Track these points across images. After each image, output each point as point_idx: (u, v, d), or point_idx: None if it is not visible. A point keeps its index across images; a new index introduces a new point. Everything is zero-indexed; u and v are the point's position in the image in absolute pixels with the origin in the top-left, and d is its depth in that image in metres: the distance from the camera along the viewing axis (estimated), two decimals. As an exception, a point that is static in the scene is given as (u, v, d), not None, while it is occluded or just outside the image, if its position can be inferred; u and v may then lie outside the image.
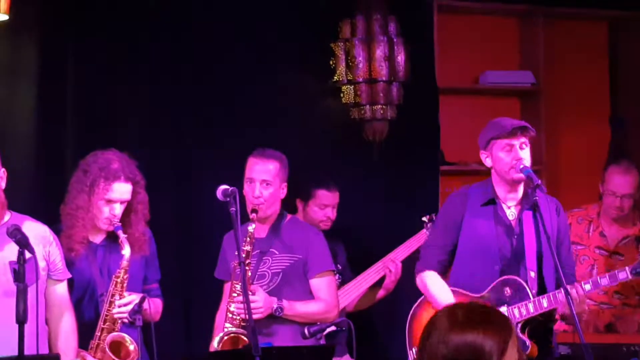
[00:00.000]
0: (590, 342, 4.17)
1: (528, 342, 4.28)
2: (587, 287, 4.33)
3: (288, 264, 4.61)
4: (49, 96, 5.39)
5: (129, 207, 4.39)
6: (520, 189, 4.44)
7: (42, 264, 4.04)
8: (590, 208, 5.55)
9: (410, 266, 4.80)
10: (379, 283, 5.45)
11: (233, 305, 4.48)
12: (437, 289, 4.45)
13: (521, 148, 4.36)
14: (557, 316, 4.42)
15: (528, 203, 4.42)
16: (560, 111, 6.73)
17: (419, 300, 4.60)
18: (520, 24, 6.69)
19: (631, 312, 5.39)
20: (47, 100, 5.38)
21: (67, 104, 5.44)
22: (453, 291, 4.42)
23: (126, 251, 4.26)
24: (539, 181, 4.30)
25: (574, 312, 4.07)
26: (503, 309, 4.27)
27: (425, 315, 4.48)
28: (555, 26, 6.69)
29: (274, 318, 4.49)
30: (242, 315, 4.40)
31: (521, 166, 4.33)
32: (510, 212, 4.45)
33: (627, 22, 6.80)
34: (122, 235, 4.28)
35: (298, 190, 5.34)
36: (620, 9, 6.70)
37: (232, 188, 4.26)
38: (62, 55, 5.43)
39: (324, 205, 5.39)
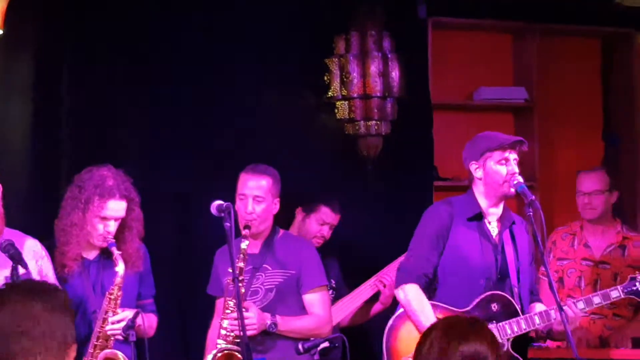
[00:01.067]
0: (583, 358, 4.20)
1: (519, 357, 4.29)
2: (580, 305, 4.34)
3: (281, 280, 4.61)
4: (44, 111, 5.40)
5: (123, 224, 4.38)
6: (502, 205, 4.44)
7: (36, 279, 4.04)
8: (573, 224, 5.61)
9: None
10: (374, 298, 5.45)
11: (226, 321, 4.46)
12: (419, 305, 4.32)
13: (514, 161, 4.37)
14: (541, 333, 4.44)
15: (508, 222, 4.43)
16: (554, 127, 6.76)
17: (397, 314, 4.49)
18: (514, 40, 6.72)
19: (624, 324, 5.40)
20: (42, 116, 5.39)
21: (62, 119, 5.45)
22: (436, 305, 4.33)
23: (120, 268, 4.26)
24: (533, 197, 4.29)
25: (569, 331, 4.07)
26: (491, 326, 4.22)
27: (404, 330, 4.42)
28: (549, 43, 6.72)
29: (268, 334, 4.48)
30: (236, 332, 4.39)
31: (515, 181, 4.32)
32: (492, 227, 4.44)
33: (620, 39, 6.82)
34: (116, 252, 4.27)
35: (302, 200, 5.35)
36: (613, 25, 6.74)
37: (226, 203, 4.26)
38: (58, 71, 5.45)
39: (323, 222, 5.39)
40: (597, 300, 4.41)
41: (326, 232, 5.40)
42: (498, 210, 4.42)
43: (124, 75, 5.56)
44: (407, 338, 4.37)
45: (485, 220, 4.41)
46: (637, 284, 4.45)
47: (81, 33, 5.48)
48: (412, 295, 4.36)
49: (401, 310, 4.47)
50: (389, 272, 5.38)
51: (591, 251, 5.50)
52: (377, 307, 5.46)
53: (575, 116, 6.84)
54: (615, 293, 4.43)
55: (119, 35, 5.53)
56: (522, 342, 4.39)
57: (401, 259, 5.31)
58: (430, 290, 4.42)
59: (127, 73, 5.56)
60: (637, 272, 4.62)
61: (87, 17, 5.50)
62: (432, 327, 2.77)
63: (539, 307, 4.43)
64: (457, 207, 4.45)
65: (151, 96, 5.62)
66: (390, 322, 4.50)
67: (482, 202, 4.42)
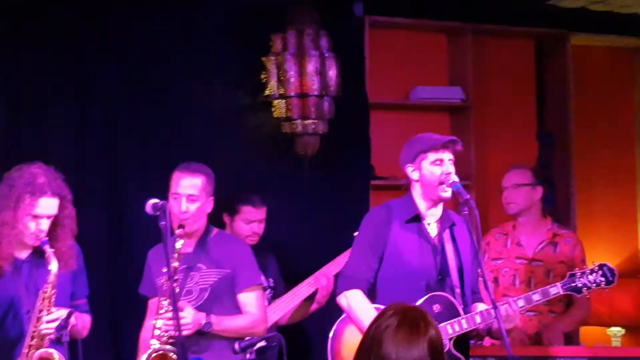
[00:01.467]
0: (517, 355, 4.23)
1: (461, 357, 4.32)
2: (520, 302, 4.38)
3: (216, 279, 4.58)
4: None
5: (56, 222, 4.31)
6: (441, 206, 4.45)
7: None
8: (506, 225, 5.68)
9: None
10: (312, 296, 5.45)
11: (160, 321, 4.41)
12: (363, 310, 4.31)
13: (449, 162, 4.39)
14: (481, 332, 4.47)
15: (448, 222, 4.44)
16: (489, 127, 6.83)
17: (341, 318, 4.48)
18: (449, 40, 6.76)
19: (555, 321, 5.48)
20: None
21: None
22: (378, 309, 4.30)
23: (53, 266, 4.19)
24: (468, 196, 4.30)
25: (503, 329, 4.11)
26: None
27: (349, 332, 4.42)
28: (484, 43, 6.79)
29: (203, 334, 4.45)
30: (170, 332, 4.36)
31: (451, 181, 4.33)
32: (431, 229, 4.44)
33: (554, 40, 6.91)
34: (48, 250, 4.19)
35: (225, 206, 5.33)
36: (547, 26, 6.82)
37: (161, 202, 4.24)
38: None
39: (249, 221, 5.36)
40: (536, 297, 4.46)
41: (256, 228, 5.37)
42: (437, 211, 4.43)
43: (54, 69, 5.48)
44: (351, 343, 4.35)
45: (424, 222, 4.42)
46: (576, 280, 4.50)
47: (9, 26, 5.39)
48: (354, 300, 4.36)
49: (344, 315, 4.47)
50: (328, 271, 5.39)
51: (524, 249, 5.57)
52: (313, 307, 5.46)
53: (510, 116, 6.92)
54: (555, 290, 4.48)
55: (44, 35, 5.45)
56: (463, 341, 4.41)
57: (339, 257, 5.35)
58: (371, 294, 4.41)
59: (55, 67, 5.48)
60: (576, 268, 4.67)
61: (19, 15, 5.42)
62: (386, 314, 2.78)
63: (480, 306, 4.46)
64: (395, 211, 4.45)
65: (82, 92, 5.55)
66: (335, 327, 4.49)
67: (421, 204, 4.42)
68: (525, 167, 5.70)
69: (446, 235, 4.42)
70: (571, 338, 6.15)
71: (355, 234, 4.87)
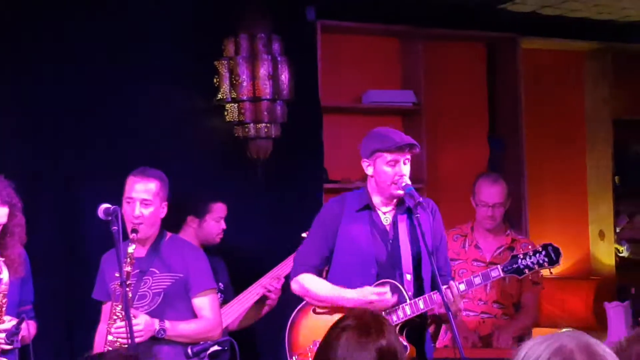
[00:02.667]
0: (468, 358, 4.25)
1: (407, 344, 4.34)
2: (462, 286, 4.36)
3: (169, 284, 4.56)
4: None
5: (5, 230, 4.29)
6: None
7: None
8: (464, 226, 5.71)
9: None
10: (262, 300, 5.45)
11: (113, 327, 4.40)
12: (316, 285, 4.44)
13: (404, 163, 4.40)
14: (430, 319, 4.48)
15: (402, 208, 4.46)
16: (441, 130, 6.87)
17: (297, 308, 4.57)
18: (401, 44, 6.80)
19: (506, 324, 5.51)
20: None
21: None
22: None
23: (4, 275, 4.18)
24: (420, 198, 4.34)
25: (451, 314, 4.13)
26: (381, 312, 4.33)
27: (305, 323, 4.51)
28: (435, 47, 6.83)
29: (157, 339, 4.44)
30: (122, 339, 4.34)
31: (403, 184, 4.36)
32: (385, 217, 4.47)
33: (505, 44, 6.97)
34: None
35: (189, 208, 5.33)
36: (498, 31, 6.88)
37: (113, 207, 4.22)
38: None
39: (219, 218, 5.41)
40: (477, 280, 4.41)
41: (224, 225, 5.44)
42: (392, 202, 4.48)
43: (2, 76, 5.43)
44: (306, 331, 4.49)
45: (378, 211, 4.47)
46: (519, 261, 4.44)
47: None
48: (307, 281, 4.46)
49: (302, 303, 4.53)
50: (277, 273, 5.39)
51: (482, 252, 5.60)
52: (264, 310, 5.48)
53: (462, 119, 6.97)
54: (495, 272, 4.42)
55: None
56: (416, 331, 4.43)
57: (288, 259, 5.35)
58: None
59: (4, 73, 5.43)
60: (522, 250, 4.66)
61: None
62: (342, 321, 2.80)
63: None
64: (348, 201, 4.52)
65: (32, 97, 5.50)
66: (291, 317, 4.57)
67: (375, 197, 4.48)
68: (503, 182, 5.63)
69: (402, 222, 4.44)
70: (524, 340, 6.20)
71: (304, 234, 4.90)
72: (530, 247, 5.47)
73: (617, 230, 7.40)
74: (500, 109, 7.08)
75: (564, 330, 2.19)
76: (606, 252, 7.27)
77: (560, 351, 2.09)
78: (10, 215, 4.28)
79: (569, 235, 7.20)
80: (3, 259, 4.20)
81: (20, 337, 4.12)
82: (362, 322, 2.78)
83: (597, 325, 6.74)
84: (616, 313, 6.48)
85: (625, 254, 7.42)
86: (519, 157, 6.86)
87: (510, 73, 6.96)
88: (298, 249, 4.70)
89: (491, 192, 5.55)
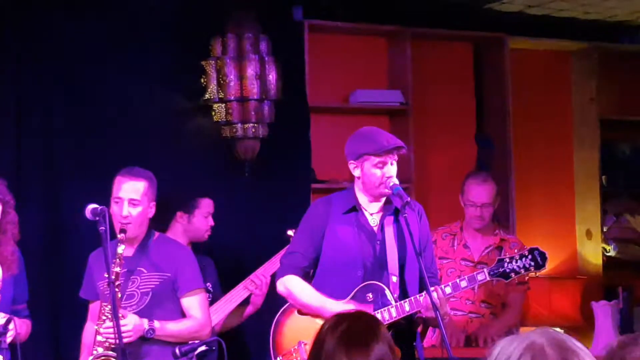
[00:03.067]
0: (457, 357, 4.25)
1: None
2: (448, 289, 4.36)
3: (157, 283, 4.55)
4: None
5: None
6: (383, 198, 4.49)
7: None
8: (453, 225, 5.70)
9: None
10: (246, 301, 5.45)
11: (102, 328, 4.39)
12: (300, 290, 4.41)
13: (391, 164, 4.40)
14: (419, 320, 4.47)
15: (389, 210, 4.46)
16: (429, 129, 6.87)
17: (282, 309, 4.55)
18: (388, 43, 6.79)
19: (488, 323, 5.52)
20: None
21: None
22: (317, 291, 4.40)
23: None
24: (408, 198, 4.33)
25: (439, 316, 4.13)
26: None
27: (289, 323, 4.49)
28: (423, 46, 6.82)
29: (145, 339, 4.43)
30: (111, 339, 4.32)
31: (391, 184, 4.35)
32: (372, 218, 4.46)
33: (492, 43, 6.97)
34: None
35: (178, 204, 5.32)
36: (485, 30, 6.89)
37: (101, 207, 4.21)
38: None
39: (208, 213, 5.42)
40: (463, 284, 4.41)
41: (211, 221, 5.44)
42: (379, 203, 4.47)
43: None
44: (290, 332, 4.47)
45: (365, 212, 4.46)
46: (505, 264, 4.44)
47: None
48: (291, 284, 4.44)
49: (286, 305, 4.51)
50: (264, 271, 5.39)
51: (470, 252, 5.60)
52: (249, 310, 5.47)
53: (450, 119, 6.96)
54: (482, 276, 4.43)
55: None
56: (405, 333, 4.43)
57: (274, 257, 5.34)
58: (310, 283, 4.48)
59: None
60: (506, 254, 4.66)
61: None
62: (337, 325, 2.77)
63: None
64: (334, 202, 4.51)
65: (18, 96, 5.49)
66: (276, 318, 4.55)
67: (361, 197, 4.47)
68: (491, 181, 5.62)
69: (388, 224, 4.43)
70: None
71: (290, 232, 4.89)
72: (518, 246, 5.52)
73: (605, 229, 7.41)
74: (488, 109, 7.09)
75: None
76: (593, 252, 7.28)
77: (530, 348, 2.09)
78: (3, 213, 4.30)
79: (557, 235, 7.21)
80: None
81: (9, 336, 4.12)
82: (357, 328, 2.75)
83: (585, 325, 6.75)
84: (603, 312, 6.48)
85: (612, 253, 7.43)
86: (506, 156, 6.87)
87: (497, 72, 6.96)
88: (285, 250, 4.69)
89: (480, 192, 5.54)
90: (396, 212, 4.44)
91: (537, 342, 2.09)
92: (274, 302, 4.91)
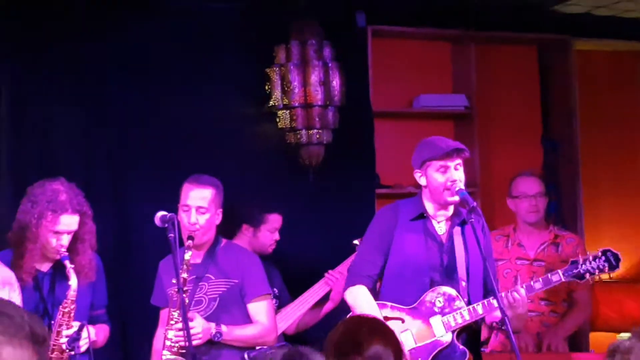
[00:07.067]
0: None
1: (466, 350, 4.33)
2: (522, 291, 4.36)
3: (224, 289, 4.59)
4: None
5: (76, 236, 4.39)
6: (452, 207, 4.47)
7: None
8: (506, 228, 5.69)
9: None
10: (320, 303, 5.46)
11: (171, 332, 4.44)
12: (366, 305, 4.38)
13: (456, 169, 4.38)
14: (495, 325, 4.44)
15: (458, 219, 4.45)
16: (494, 133, 6.83)
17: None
18: (452, 48, 6.77)
19: (557, 324, 5.47)
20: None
21: (1, 129, 5.39)
22: (383, 305, 4.39)
23: (73, 281, 4.26)
24: (475, 203, 4.31)
25: (507, 318, 4.09)
26: (436, 319, 4.32)
27: None
28: (487, 50, 6.79)
29: (213, 343, 4.47)
30: (180, 343, 4.38)
31: (457, 188, 4.35)
32: (440, 227, 4.46)
33: (557, 46, 6.91)
34: (68, 266, 4.27)
35: (244, 216, 5.36)
36: (550, 32, 6.82)
37: (170, 214, 4.27)
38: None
39: (274, 229, 5.45)
40: (538, 285, 4.42)
41: (277, 236, 5.47)
42: (447, 212, 4.46)
43: (60, 85, 5.50)
44: None
45: (432, 220, 4.46)
46: (578, 266, 4.44)
47: (18, 35, 5.42)
48: (359, 295, 4.43)
49: (349, 314, 4.50)
50: (340, 269, 5.39)
51: (525, 250, 5.57)
52: (328, 306, 5.47)
53: (515, 122, 6.91)
54: (556, 277, 4.43)
55: (56, 35, 5.50)
56: (471, 336, 4.42)
57: (352, 257, 5.34)
58: (375, 290, 4.49)
59: (63, 81, 5.52)
60: (579, 255, 4.64)
61: (27, 33, 5.44)
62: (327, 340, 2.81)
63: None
64: (402, 209, 4.51)
65: (90, 108, 5.57)
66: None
67: (428, 205, 4.47)
68: (536, 175, 5.70)
69: (457, 233, 4.43)
70: (580, 344, 6.14)
71: (355, 242, 4.89)
72: (575, 242, 5.48)
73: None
74: (554, 111, 7.02)
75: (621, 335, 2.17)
76: (664, 255, 7.18)
77: None
78: (81, 223, 4.38)
79: (626, 238, 7.10)
80: (73, 266, 4.29)
81: (83, 343, 4.21)
82: (339, 342, 2.78)
83: (656, 329, 6.64)
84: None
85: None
86: (573, 159, 6.80)
87: (563, 75, 6.89)
88: (353, 257, 4.69)
89: (530, 183, 5.58)
90: (463, 223, 4.44)
91: None
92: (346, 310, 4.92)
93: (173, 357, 4.42)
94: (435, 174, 4.38)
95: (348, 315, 4.49)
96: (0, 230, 4.59)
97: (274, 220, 5.44)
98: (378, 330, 2.86)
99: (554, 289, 5.43)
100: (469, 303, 4.36)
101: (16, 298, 4.17)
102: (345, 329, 2.93)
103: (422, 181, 4.45)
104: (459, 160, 4.40)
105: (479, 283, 4.43)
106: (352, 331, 2.87)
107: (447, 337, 4.33)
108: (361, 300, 4.41)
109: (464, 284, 4.38)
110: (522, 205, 5.56)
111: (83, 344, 4.23)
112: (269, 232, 5.43)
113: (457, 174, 4.38)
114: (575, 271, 4.45)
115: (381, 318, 4.16)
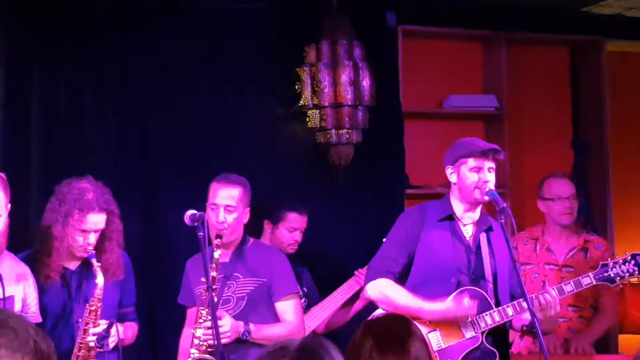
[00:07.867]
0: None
1: (495, 352, 4.32)
2: (554, 292, 4.36)
3: (253, 288, 4.61)
4: (13, 120, 5.37)
5: (104, 235, 4.40)
6: (479, 209, 4.47)
7: (17, 306, 4.05)
8: (534, 229, 5.65)
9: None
10: (350, 302, 5.46)
11: (199, 330, 4.46)
12: (395, 292, 4.36)
13: (489, 171, 4.39)
14: (524, 328, 4.43)
15: (485, 225, 4.45)
16: (524, 134, 6.81)
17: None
18: (483, 48, 6.76)
19: (584, 329, 5.44)
20: (12, 125, 5.36)
21: (32, 129, 5.43)
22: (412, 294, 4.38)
23: (100, 280, 4.27)
24: (504, 204, 4.32)
25: (537, 321, 4.07)
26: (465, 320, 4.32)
27: None
28: (518, 51, 6.77)
29: (241, 342, 4.49)
30: (209, 341, 4.40)
31: (487, 189, 4.35)
32: (466, 230, 4.46)
33: (588, 47, 6.87)
34: (95, 264, 4.28)
35: (268, 212, 5.36)
36: (581, 33, 6.79)
37: (199, 213, 4.28)
38: (28, 79, 5.42)
39: (293, 229, 5.41)
40: (568, 288, 4.42)
41: (298, 236, 5.43)
42: (474, 215, 4.46)
43: (93, 87, 5.55)
44: None
45: (459, 222, 4.45)
46: (609, 270, 4.45)
47: (50, 40, 5.47)
48: (384, 286, 4.40)
49: (378, 310, 4.49)
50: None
51: (554, 255, 5.54)
52: (358, 305, 5.47)
53: (545, 123, 6.89)
54: (587, 280, 4.44)
55: (88, 41, 5.53)
56: (500, 337, 4.42)
57: None
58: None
59: (94, 84, 5.56)
60: (608, 259, 4.62)
61: (55, 35, 5.48)
62: (364, 336, 2.78)
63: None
64: (429, 210, 4.51)
65: (119, 108, 5.61)
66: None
67: (457, 206, 4.47)
68: (567, 176, 5.68)
69: (483, 238, 4.42)
70: (609, 346, 6.11)
71: (385, 240, 4.89)
72: (603, 247, 5.46)
73: None
74: (584, 113, 6.99)
75: None
76: (694, 258, 7.11)
77: None
78: (108, 222, 4.39)
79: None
80: (100, 264, 4.30)
81: (111, 341, 4.23)
82: (382, 336, 2.76)
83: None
84: None
85: None
86: (603, 161, 6.76)
87: (594, 76, 6.86)
88: (375, 255, 4.67)
89: (564, 185, 5.55)
90: (489, 229, 4.45)
91: None
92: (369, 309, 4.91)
93: (201, 355, 4.44)
94: (468, 172, 4.39)
95: (375, 313, 4.49)
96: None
97: (293, 219, 5.41)
98: (416, 332, 2.85)
99: (581, 295, 5.43)
100: (497, 305, 4.35)
101: (31, 293, 4.20)
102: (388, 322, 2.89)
103: (453, 178, 4.45)
104: (492, 164, 4.40)
105: (506, 287, 4.43)
106: (394, 329, 2.84)
107: (475, 339, 4.32)
108: (392, 290, 4.38)
109: (490, 285, 4.38)
110: (556, 208, 5.53)
111: (112, 342, 4.24)
112: (287, 230, 5.40)
113: (489, 176, 4.39)
114: (605, 274, 4.46)
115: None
